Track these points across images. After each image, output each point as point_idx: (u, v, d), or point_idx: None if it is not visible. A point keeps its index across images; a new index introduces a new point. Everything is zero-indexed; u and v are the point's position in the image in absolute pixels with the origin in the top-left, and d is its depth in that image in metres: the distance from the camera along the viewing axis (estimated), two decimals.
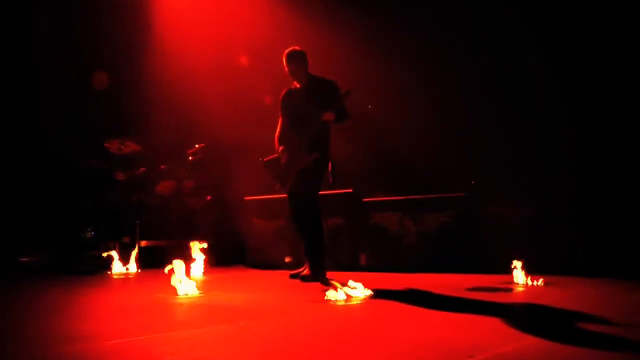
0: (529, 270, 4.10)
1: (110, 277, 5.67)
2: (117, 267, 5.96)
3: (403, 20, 6.35)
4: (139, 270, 6.05)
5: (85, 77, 7.41)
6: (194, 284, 3.92)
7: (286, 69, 4.78)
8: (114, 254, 6.06)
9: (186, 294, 3.82)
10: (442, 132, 6.09)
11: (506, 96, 5.67)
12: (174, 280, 3.82)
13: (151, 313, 3.28)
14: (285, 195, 4.95)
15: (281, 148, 4.80)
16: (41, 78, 7.35)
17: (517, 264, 4.14)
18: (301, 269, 4.90)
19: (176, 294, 3.80)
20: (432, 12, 6.08)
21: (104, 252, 6.35)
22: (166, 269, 3.86)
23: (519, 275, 4.11)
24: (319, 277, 4.49)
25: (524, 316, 3.00)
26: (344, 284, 3.51)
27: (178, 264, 3.84)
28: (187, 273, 4.04)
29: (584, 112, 5.02)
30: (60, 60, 7.35)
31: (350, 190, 5.96)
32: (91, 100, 7.42)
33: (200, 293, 3.91)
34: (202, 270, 5.56)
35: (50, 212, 7.01)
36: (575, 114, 5.06)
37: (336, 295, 3.41)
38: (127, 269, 5.99)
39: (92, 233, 6.71)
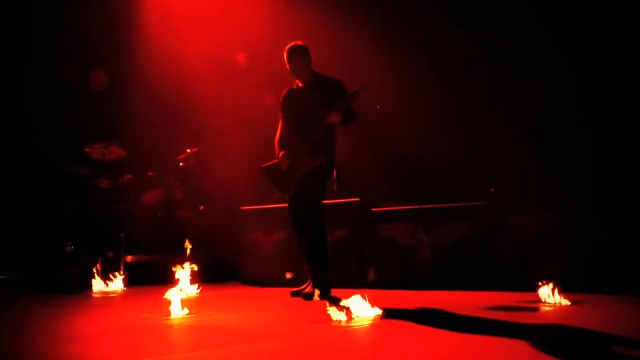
0: (555, 287, 4.09)
1: (92, 295, 5.68)
2: (99, 285, 5.96)
3: (416, 13, 6.37)
4: (125, 288, 6.06)
5: (66, 75, 7.43)
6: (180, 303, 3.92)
7: (287, 66, 4.79)
8: (97, 270, 6.08)
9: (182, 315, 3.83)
10: (458, 135, 6.09)
11: (527, 96, 5.67)
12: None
13: (139, 335, 3.28)
14: (285, 205, 4.96)
15: (282, 153, 4.81)
16: (16, 75, 7.38)
17: (541, 280, 4.13)
18: (303, 286, 4.89)
19: (165, 315, 3.81)
20: (448, 4, 6.11)
21: (85, 268, 6.36)
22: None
23: (544, 292, 4.10)
24: (324, 295, 4.49)
25: (550, 339, 2.99)
26: (350, 303, 3.51)
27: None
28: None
29: (616, 112, 5.03)
30: (40, 58, 7.39)
31: (357, 199, 5.96)
32: (72, 100, 7.45)
33: (189, 313, 3.91)
34: (192, 288, 5.57)
35: (25, 224, 7.03)
36: (606, 114, 5.07)
37: (342, 315, 3.41)
38: (110, 286, 6.00)
39: (72, 247, 6.72)
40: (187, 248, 5.42)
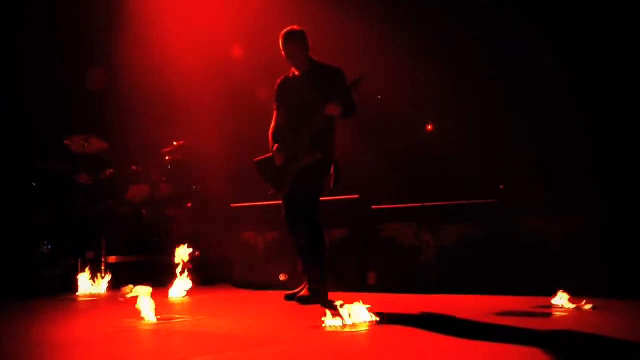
0: (571, 291, 4.10)
1: (71, 299, 5.67)
2: (79, 288, 5.96)
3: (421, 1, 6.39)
4: (106, 292, 6.06)
5: (45, 61, 7.40)
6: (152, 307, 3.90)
7: (283, 52, 4.79)
8: (77, 272, 6.08)
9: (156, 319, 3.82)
10: (467, 128, 6.11)
11: (543, 88, 5.70)
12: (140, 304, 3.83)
13: (122, 342, 3.28)
14: (280, 202, 4.97)
15: (276, 146, 4.81)
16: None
17: (556, 284, 4.14)
18: (298, 289, 4.90)
19: (150, 319, 3.81)
20: None
21: (63, 269, 6.36)
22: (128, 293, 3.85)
23: (559, 297, 4.11)
24: (320, 299, 4.50)
25: (565, 347, 3.00)
26: (350, 307, 3.51)
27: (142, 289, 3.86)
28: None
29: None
30: (22, 47, 7.38)
31: (357, 197, 5.96)
32: (50, 89, 7.42)
33: (162, 319, 3.90)
34: (184, 290, 5.59)
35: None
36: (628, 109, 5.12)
37: (340, 320, 3.41)
38: (91, 290, 6.00)
39: (49, 247, 6.70)
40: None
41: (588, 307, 3.98)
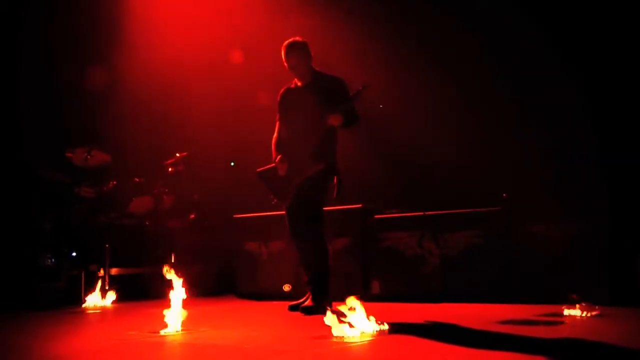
0: (575, 299, 4.10)
1: (75, 312, 5.69)
2: (82, 300, 5.98)
3: (422, 8, 6.41)
4: (109, 304, 6.07)
5: (45, 69, 7.42)
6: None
7: (285, 63, 4.82)
8: (80, 284, 6.08)
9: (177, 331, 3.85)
10: (469, 136, 6.13)
11: (544, 93, 5.72)
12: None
13: (126, 355, 3.29)
14: (283, 212, 4.99)
15: (279, 157, 4.84)
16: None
17: (559, 292, 4.15)
18: (302, 300, 4.92)
19: (154, 332, 3.83)
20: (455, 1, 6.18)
21: (66, 282, 6.36)
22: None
23: (562, 305, 4.12)
24: (324, 309, 4.51)
25: (570, 356, 3.01)
26: (353, 317, 3.53)
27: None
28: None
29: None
30: (20, 52, 7.41)
31: (360, 206, 5.98)
32: (51, 99, 7.44)
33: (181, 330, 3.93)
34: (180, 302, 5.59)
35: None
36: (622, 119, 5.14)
37: (345, 330, 3.43)
38: (95, 302, 6.01)
39: (52, 260, 6.72)
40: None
41: (593, 314, 3.99)
